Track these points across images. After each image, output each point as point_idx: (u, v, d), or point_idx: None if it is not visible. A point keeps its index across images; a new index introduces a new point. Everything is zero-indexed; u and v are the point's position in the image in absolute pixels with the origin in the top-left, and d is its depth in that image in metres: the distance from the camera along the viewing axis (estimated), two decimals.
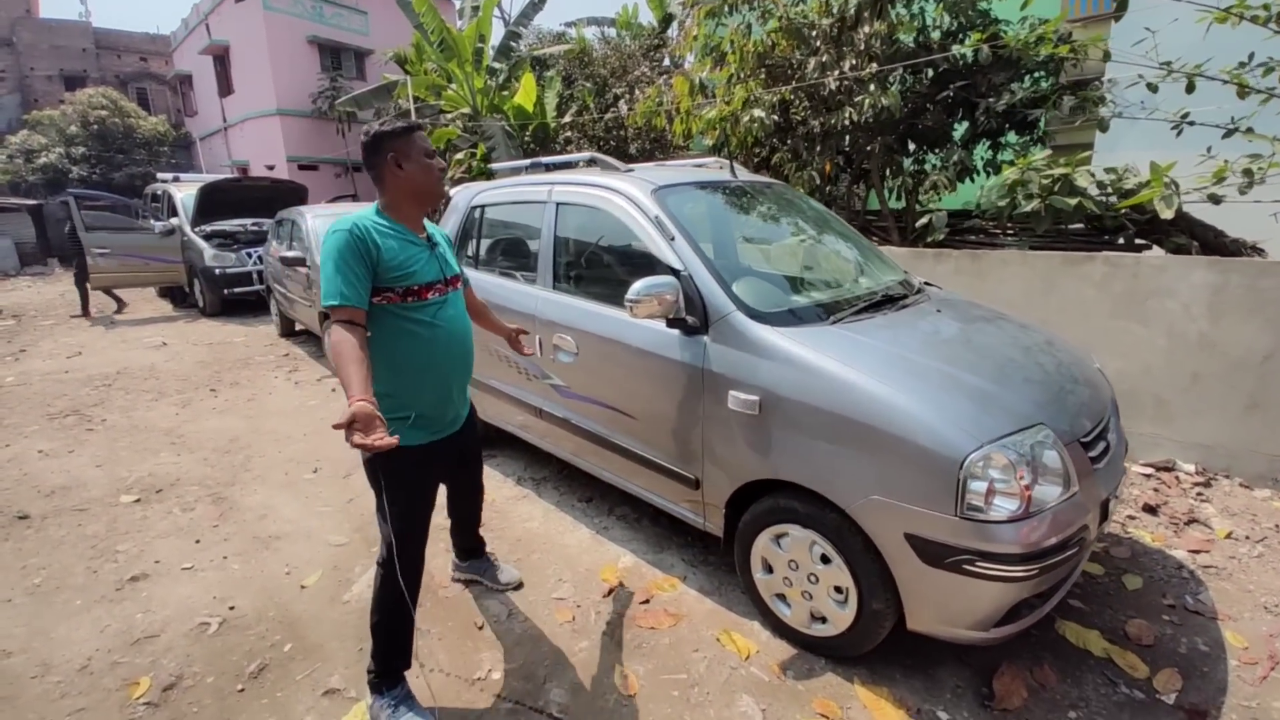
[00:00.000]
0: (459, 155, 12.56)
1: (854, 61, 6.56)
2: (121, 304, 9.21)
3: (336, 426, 1.36)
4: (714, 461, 2.25)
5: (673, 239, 2.34)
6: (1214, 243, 5.05)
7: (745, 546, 2.24)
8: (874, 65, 6.73)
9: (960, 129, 7.31)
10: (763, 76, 7.14)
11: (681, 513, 2.49)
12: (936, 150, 7.76)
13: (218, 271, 8.48)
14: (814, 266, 2.72)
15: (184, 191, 9.31)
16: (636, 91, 12.19)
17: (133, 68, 24.47)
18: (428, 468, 1.88)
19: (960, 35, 7.19)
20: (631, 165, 2.84)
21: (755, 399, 2.04)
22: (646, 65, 12.54)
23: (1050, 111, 6.23)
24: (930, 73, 6.93)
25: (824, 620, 2.09)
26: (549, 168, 3.17)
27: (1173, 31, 4.17)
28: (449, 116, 12.30)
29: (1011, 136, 7.15)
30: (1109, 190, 5.64)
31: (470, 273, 3.36)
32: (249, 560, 2.73)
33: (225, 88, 19.53)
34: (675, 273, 2.28)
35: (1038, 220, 5.72)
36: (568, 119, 12.22)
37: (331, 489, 3.41)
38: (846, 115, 6.82)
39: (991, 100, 6.70)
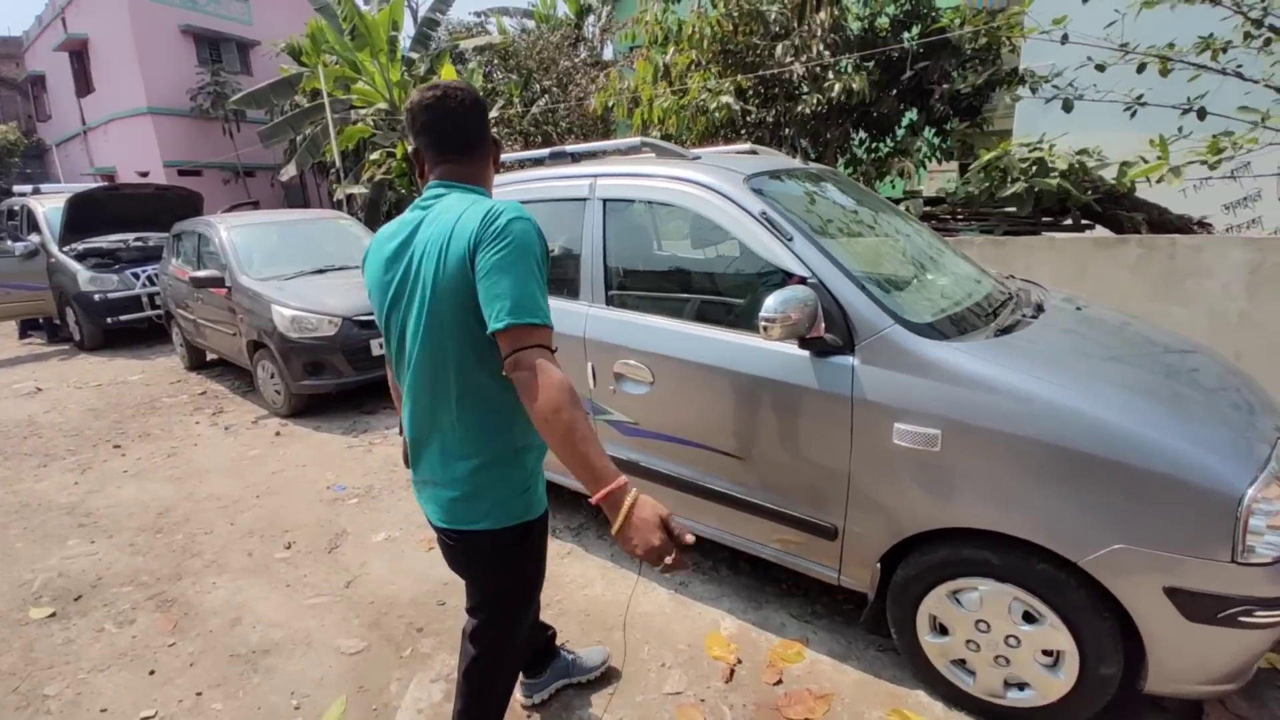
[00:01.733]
0: (374, 155, 11.46)
1: (819, 48, 6.38)
2: None
3: (675, 538, 1.04)
4: (865, 508, 1.84)
5: (790, 240, 1.89)
6: (1159, 220, 5.30)
7: (907, 605, 1.84)
8: (828, 53, 6.61)
9: (905, 117, 7.38)
10: (720, 64, 6.83)
11: (805, 565, 2.07)
12: (886, 138, 7.81)
13: (96, 297, 7.16)
14: (911, 264, 2.36)
15: (47, 205, 7.79)
16: (569, 84, 11.61)
17: None
18: None
19: (908, 23, 7.22)
20: (696, 151, 2.37)
21: (934, 433, 1.65)
22: (581, 56, 11.96)
23: (1013, 95, 6.31)
24: (875, 61, 6.91)
25: (1022, 688, 1.74)
26: (575, 157, 2.62)
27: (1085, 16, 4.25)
28: (362, 112, 11.19)
29: (954, 123, 7.27)
30: (1078, 171, 5.76)
31: None
32: (235, 693, 2.03)
33: (84, 86, 17.01)
34: (800, 280, 1.85)
35: (1019, 202, 5.73)
36: (494, 113, 11.43)
37: (318, 570, 2.71)
38: (814, 100, 6.64)
39: (946, 86, 6.75)
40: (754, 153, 2.89)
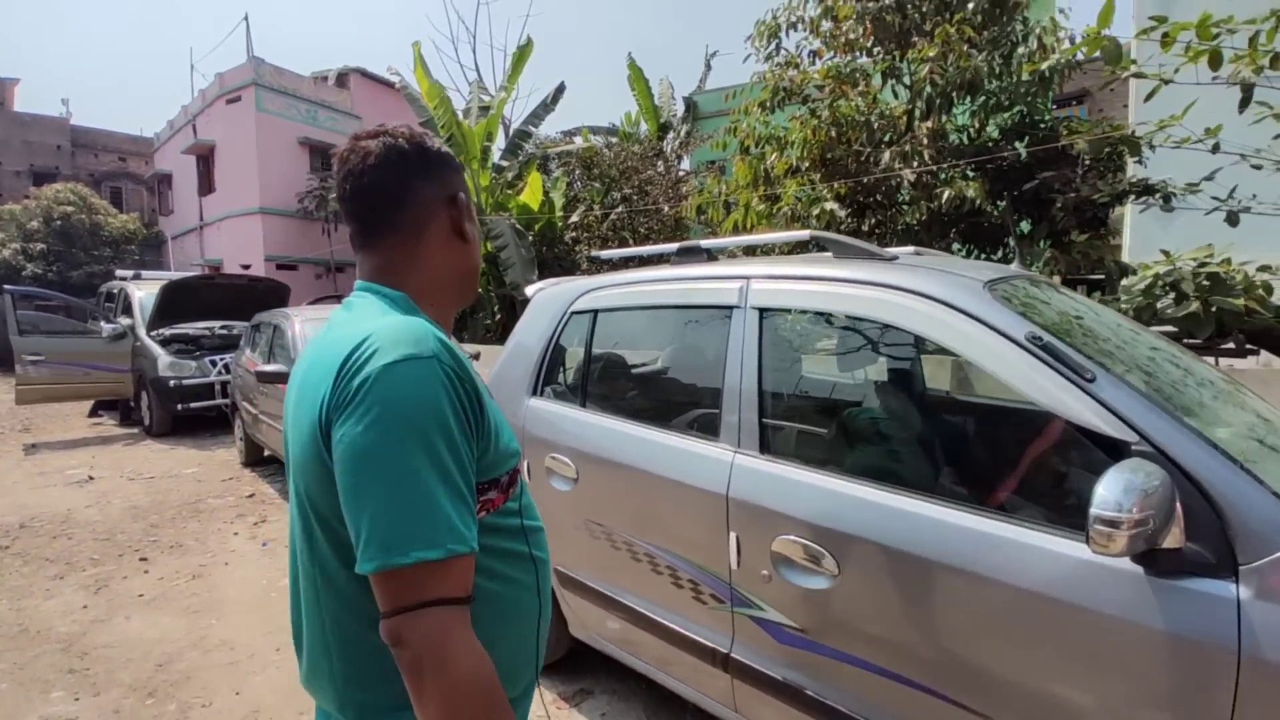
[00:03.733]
0: None
1: (929, 154, 6.01)
2: None
3: None
4: None
5: (1092, 380, 1.22)
6: None
7: None
8: (928, 160, 6.23)
9: (1019, 228, 6.87)
10: (821, 170, 6.53)
11: None
12: (997, 250, 7.31)
13: (171, 383, 7.09)
14: (1232, 418, 1.61)
15: (144, 290, 8.05)
16: (647, 191, 11.80)
17: (109, 166, 23.68)
18: None
19: (1020, 133, 6.89)
20: (894, 250, 1.79)
21: None
22: (663, 166, 12.26)
23: (1162, 204, 5.67)
24: (983, 170, 6.52)
25: None
26: (711, 254, 2.09)
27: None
28: None
29: (1076, 234, 6.70)
30: (1260, 288, 5.02)
31: (572, 414, 2.18)
32: None
33: (206, 186, 18.78)
34: (1118, 448, 1.15)
35: (1196, 324, 4.93)
36: (575, 218, 11.63)
37: None
38: (922, 208, 6.21)
39: (1072, 195, 6.25)
40: (918, 254, 2.30)
